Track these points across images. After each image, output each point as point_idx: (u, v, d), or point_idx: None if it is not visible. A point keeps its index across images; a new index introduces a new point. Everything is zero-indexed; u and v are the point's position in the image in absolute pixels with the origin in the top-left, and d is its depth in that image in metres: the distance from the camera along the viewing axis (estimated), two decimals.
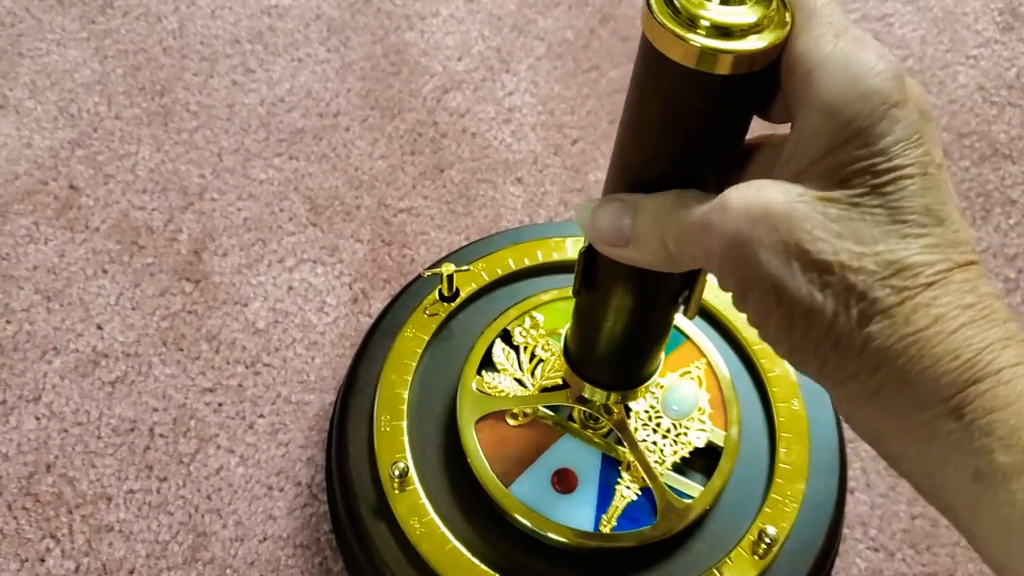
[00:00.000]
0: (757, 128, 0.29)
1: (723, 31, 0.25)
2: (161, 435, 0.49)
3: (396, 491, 0.42)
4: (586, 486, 0.43)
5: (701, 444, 0.44)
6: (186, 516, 0.47)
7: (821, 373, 0.26)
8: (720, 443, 0.44)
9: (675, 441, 0.44)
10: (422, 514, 0.42)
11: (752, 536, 0.42)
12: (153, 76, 0.62)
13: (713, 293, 0.49)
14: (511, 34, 0.67)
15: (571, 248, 0.51)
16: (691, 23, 0.25)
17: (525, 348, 0.47)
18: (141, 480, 0.48)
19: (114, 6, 0.65)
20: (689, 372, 0.46)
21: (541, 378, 0.46)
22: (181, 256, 0.55)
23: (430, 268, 0.49)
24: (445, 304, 0.48)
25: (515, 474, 0.43)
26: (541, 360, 0.46)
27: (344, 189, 0.59)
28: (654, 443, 0.44)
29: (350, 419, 0.45)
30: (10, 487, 0.47)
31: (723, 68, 0.25)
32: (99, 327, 0.52)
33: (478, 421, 0.44)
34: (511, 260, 0.50)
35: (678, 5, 0.25)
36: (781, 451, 0.45)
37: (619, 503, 0.42)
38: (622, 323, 0.36)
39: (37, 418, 0.49)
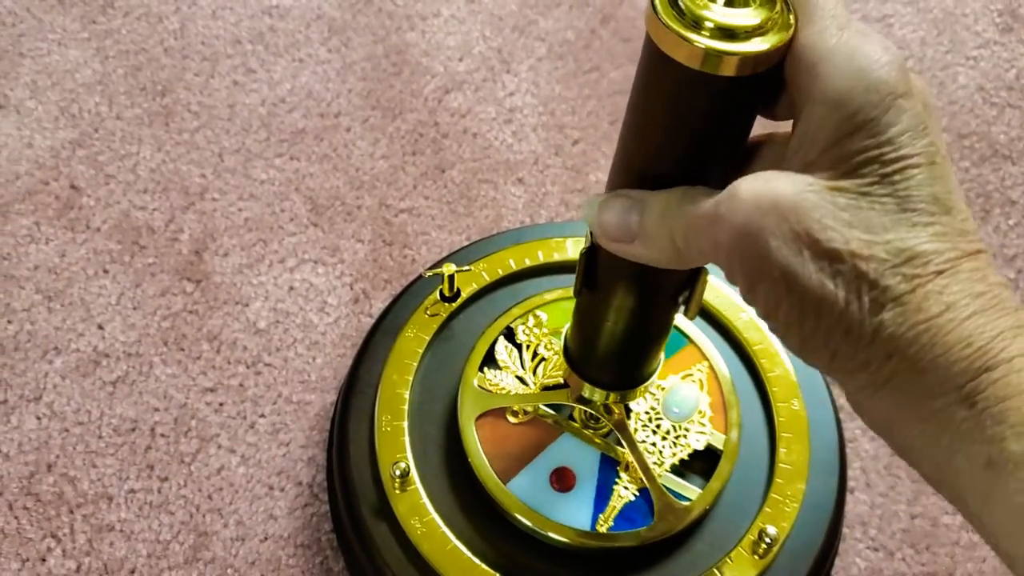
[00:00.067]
0: (758, 127, 0.29)
1: (727, 33, 0.25)
2: (162, 435, 0.49)
3: (397, 491, 0.43)
4: (584, 485, 0.43)
5: (700, 447, 0.44)
6: (187, 516, 0.47)
7: (831, 364, 0.26)
8: (720, 446, 0.44)
9: (674, 443, 0.44)
10: (423, 514, 0.42)
11: (752, 536, 0.42)
12: (154, 76, 0.62)
13: (713, 294, 0.49)
14: (512, 35, 0.67)
15: (572, 248, 0.51)
16: (695, 24, 0.25)
17: (528, 346, 0.47)
18: (142, 480, 0.48)
19: (115, 6, 0.65)
20: (691, 375, 0.46)
21: (543, 377, 0.46)
22: (182, 256, 0.55)
23: (431, 268, 0.49)
24: (446, 304, 0.48)
25: (514, 471, 0.43)
26: (543, 359, 0.46)
27: (345, 189, 0.59)
28: (653, 444, 0.44)
29: (351, 419, 0.46)
30: (11, 487, 0.47)
31: (728, 70, 0.25)
32: (100, 327, 0.52)
33: (478, 418, 0.44)
34: (512, 260, 0.50)
35: (682, 6, 0.25)
36: (781, 451, 0.45)
37: (617, 503, 0.42)
38: (623, 323, 0.36)
39: (38, 418, 0.49)
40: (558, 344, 0.47)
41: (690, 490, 0.43)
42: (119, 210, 0.57)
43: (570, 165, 0.61)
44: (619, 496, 0.43)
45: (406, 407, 0.45)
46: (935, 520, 0.49)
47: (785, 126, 0.29)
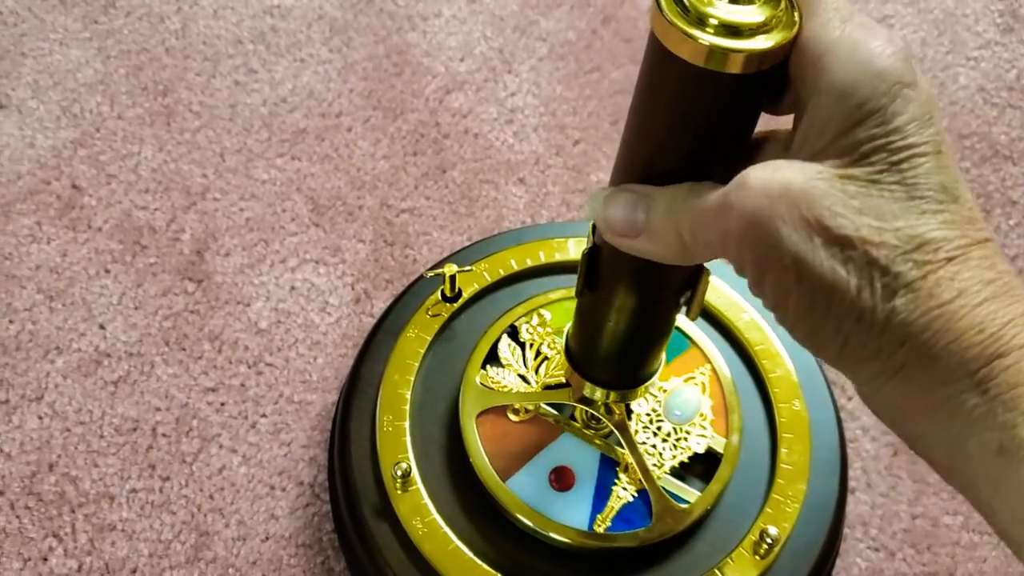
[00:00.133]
0: (759, 123, 0.29)
1: (732, 30, 0.25)
2: (163, 435, 0.49)
3: (398, 491, 0.43)
4: (583, 485, 0.43)
5: (701, 450, 0.44)
6: (188, 515, 0.47)
7: (841, 353, 0.26)
8: (720, 450, 0.44)
9: (675, 445, 0.44)
10: (424, 514, 0.42)
11: (753, 536, 0.42)
12: (156, 76, 0.62)
13: (715, 294, 0.49)
14: (513, 35, 0.67)
15: (573, 249, 0.51)
16: (700, 22, 0.25)
17: (531, 345, 0.47)
18: (144, 479, 0.48)
19: (117, 6, 0.65)
20: (693, 378, 0.46)
21: (545, 376, 0.46)
22: (183, 256, 0.55)
23: (432, 269, 0.49)
24: (447, 304, 0.49)
25: (513, 469, 0.43)
26: (546, 358, 0.46)
27: (346, 189, 0.59)
28: (653, 446, 0.44)
29: (353, 419, 0.46)
30: (13, 486, 0.47)
31: (733, 67, 0.25)
32: (102, 327, 0.52)
33: (479, 415, 0.44)
34: (513, 261, 0.50)
35: (687, 3, 0.25)
36: (782, 451, 0.45)
37: (615, 504, 0.42)
38: (624, 324, 0.36)
39: (40, 417, 0.49)
40: (561, 343, 0.47)
41: (689, 493, 0.43)
42: (121, 210, 0.57)
43: (571, 165, 0.61)
44: (618, 497, 0.43)
45: (407, 407, 0.45)
46: (936, 520, 0.49)
47: (786, 123, 0.29)
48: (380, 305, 0.54)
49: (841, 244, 0.24)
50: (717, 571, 0.42)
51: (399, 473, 0.42)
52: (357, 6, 0.67)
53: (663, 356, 0.39)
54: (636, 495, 0.43)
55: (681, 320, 0.47)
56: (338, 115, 0.62)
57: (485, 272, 0.50)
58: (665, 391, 0.45)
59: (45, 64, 0.62)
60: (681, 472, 0.44)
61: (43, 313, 0.53)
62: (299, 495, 0.48)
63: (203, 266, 0.55)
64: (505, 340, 0.47)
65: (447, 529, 0.42)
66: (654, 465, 0.43)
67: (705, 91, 0.26)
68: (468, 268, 0.49)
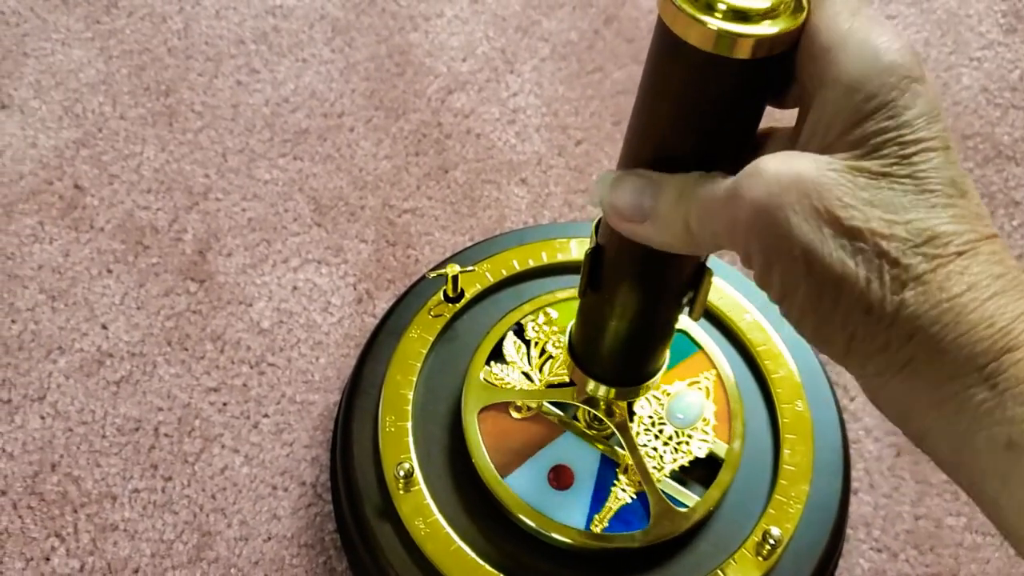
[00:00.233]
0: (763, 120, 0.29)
1: (740, 15, 0.25)
2: (166, 434, 0.49)
3: (401, 491, 0.43)
4: (582, 484, 0.43)
5: (702, 454, 0.44)
6: (191, 515, 0.47)
7: (848, 348, 0.26)
8: (722, 455, 0.44)
9: (676, 449, 0.44)
10: (427, 514, 0.42)
11: (756, 537, 0.42)
12: (158, 76, 0.62)
13: (717, 295, 0.49)
14: (515, 35, 0.67)
15: (575, 249, 0.51)
16: (708, 7, 0.25)
17: (536, 343, 0.47)
18: (146, 479, 0.48)
19: (119, 6, 0.65)
20: (698, 382, 0.46)
21: (549, 374, 0.46)
22: (186, 256, 0.55)
23: (434, 269, 0.49)
24: (450, 305, 0.49)
25: (513, 466, 0.43)
26: (551, 356, 0.46)
27: (348, 189, 0.59)
28: (654, 449, 0.44)
29: (355, 419, 0.46)
30: (15, 486, 0.47)
31: (742, 52, 0.25)
32: (104, 327, 0.52)
33: (482, 411, 0.44)
34: (515, 261, 0.50)
35: None
36: (785, 452, 0.45)
37: (613, 504, 0.42)
38: (627, 323, 0.36)
39: (42, 417, 0.49)
40: (565, 342, 0.47)
41: (688, 497, 0.43)
42: (123, 210, 0.57)
43: (573, 166, 0.61)
44: (616, 498, 0.43)
45: (410, 408, 0.45)
46: (939, 521, 0.49)
47: (787, 120, 0.29)
48: (382, 305, 0.54)
49: (851, 235, 0.24)
50: (720, 572, 0.41)
51: (401, 473, 0.42)
52: (359, 6, 0.67)
53: (667, 355, 0.39)
54: (635, 497, 0.43)
55: (688, 324, 0.47)
56: (340, 115, 0.62)
57: (487, 272, 0.50)
58: (669, 394, 0.45)
59: (47, 64, 0.62)
60: (681, 476, 0.44)
61: (45, 313, 0.53)
62: (301, 495, 0.48)
63: (205, 266, 0.55)
64: (511, 337, 0.47)
65: (449, 529, 0.42)
66: (654, 468, 0.43)
67: (712, 77, 0.26)
68: (470, 268, 0.49)
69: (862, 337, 0.25)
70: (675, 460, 0.44)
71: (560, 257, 0.51)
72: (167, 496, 0.48)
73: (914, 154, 0.24)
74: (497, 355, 0.46)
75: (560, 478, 0.43)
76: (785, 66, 0.26)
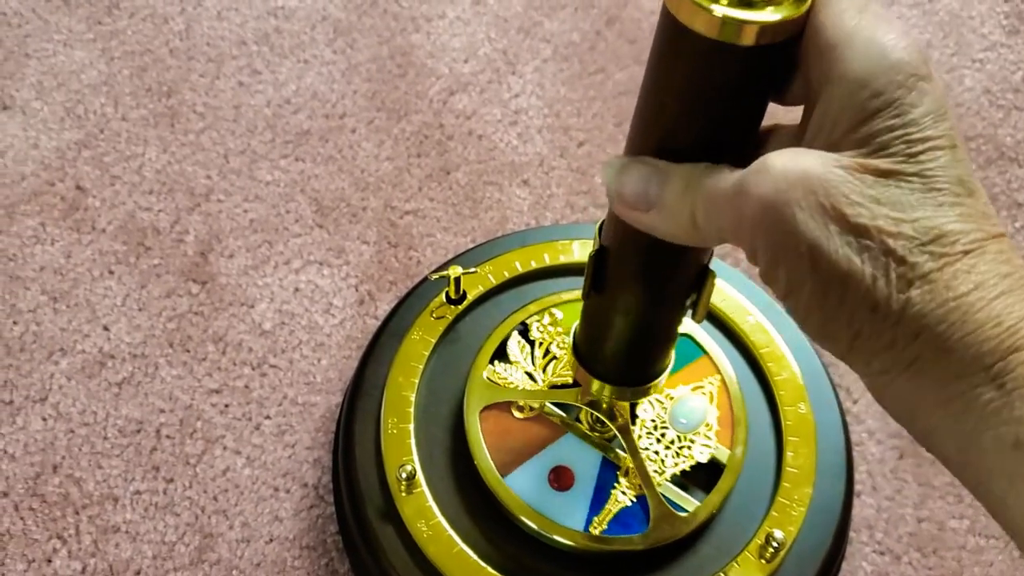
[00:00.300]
0: (766, 116, 0.29)
1: (744, 2, 0.24)
2: (167, 436, 0.49)
3: (403, 493, 0.42)
4: (582, 486, 0.43)
5: (704, 459, 0.44)
6: (192, 517, 0.47)
7: (853, 345, 0.25)
8: (723, 460, 0.44)
9: (677, 453, 0.44)
10: (429, 517, 0.42)
11: (759, 540, 0.42)
12: (160, 77, 0.62)
13: (720, 296, 0.49)
14: (517, 36, 0.67)
15: (578, 251, 0.51)
16: None
17: (540, 344, 0.47)
18: (148, 481, 0.48)
19: (120, 7, 0.65)
20: (702, 387, 0.46)
21: (552, 375, 0.46)
22: (187, 257, 0.55)
23: (436, 271, 0.49)
24: (452, 307, 0.48)
25: (513, 465, 0.43)
26: (555, 357, 0.46)
27: (350, 191, 0.59)
28: (656, 452, 0.44)
29: (357, 421, 0.46)
30: (17, 487, 0.47)
31: (747, 39, 0.25)
32: (106, 328, 0.52)
33: (484, 409, 0.44)
34: (518, 263, 0.50)
35: None
36: (788, 455, 0.45)
37: (613, 507, 0.42)
38: (630, 325, 0.36)
39: (44, 419, 0.49)
40: (570, 342, 0.47)
41: (689, 501, 0.42)
42: (125, 211, 0.57)
43: (575, 167, 0.61)
44: (616, 500, 0.42)
45: (412, 409, 0.45)
46: (942, 524, 0.49)
47: (789, 117, 0.29)
48: (384, 307, 0.54)
49: (858, 233, 0.24)
50: (722, 575, 0.41)
51: (404, 475, 0.42)
52: (361, 7, 0.67)
53: (672, 355, 0.39)
54: (635, 500, 0.42)
55: (693, 329, 0.47)
56: (342, 116, 0.62)
57: (489, 274, 0.50)
58: (672, 398, 0.45)
59: (49, 65, 0.62)
60: (683, 480, 0.43)
61: (47, 314, 0.53)
62: (303, 497, 0.48)
63: (207, 267, 0.55)
64: (515, 337, 0.47)
65: (451, 531, 0.42)
66: (655, 471, 0.43)
67: (718, 65, 0.26)
68: (472, 270, 0.49)
69: (867, 335, 0.25)
70: (676, 464, 0.43)
71: (562, 259, 0.50)
72: (169, 498, 0.48)
73: (921, 152, 0.24)
74: (501, 354, 0.46)
75: (560, 479, 0.43)
76: (788, 56, 0.26)
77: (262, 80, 0.63)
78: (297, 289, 0.55)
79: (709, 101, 0.27)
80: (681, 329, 0.46)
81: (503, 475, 0.42)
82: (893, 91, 0.24)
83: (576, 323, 0.40)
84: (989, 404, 0.23)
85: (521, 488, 0.42)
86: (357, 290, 0.55)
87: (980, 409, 0.24)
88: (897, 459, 0.51)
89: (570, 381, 0.45)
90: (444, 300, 0.49)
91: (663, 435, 0.44)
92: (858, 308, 0.25)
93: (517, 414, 0.45)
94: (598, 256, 0.34)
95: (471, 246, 0.55)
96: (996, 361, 0.23)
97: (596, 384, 0.39)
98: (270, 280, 0.55)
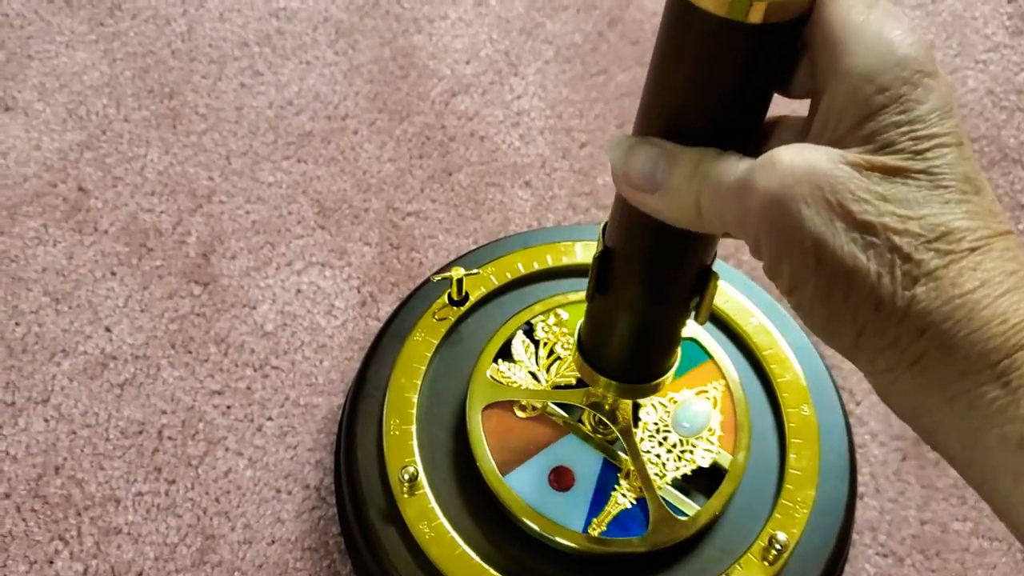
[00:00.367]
0: (772, 109, 0.29)
1: None
2: (169, 437, 0.49)
3: (405, 495, 0.42)
4: (582, 487, 0.43)
5: (706, 464, 0.43)
6: (194, 519, 0.47)
7: (858, 342, 0.25)
8: (725, 466, 0.43)
9: (679, 457, 0.44)
10: (431, 518, 0.42)
11: (762, 542, 0.42)
12: (162, 79, 0.62)
13: (723, 298, 0.49)
14: (519, 37, 0.67)
15: (580, 252, 0.51)
16: None
17: (545, 344, 0.47)
18: (149, 482, 0.48)
19: (122, 9, 0.65)
20: (706, 391, 0.46)
21: (556, 375, 0.46)
22: (190, 259, 0.55)
23: (439, 272, 0.49)
24: (454, 308, 0.48)
25: (514, 464, 0.43)
26: (559, 358, 0.46)
27: (352, 192, 0.59)
28: (657, 456, 0.44)
29: (359, 423, 0.45)
30: (19, 489, 0.47)
31: (755, 16, 0.24)
32: (108, 329, 0.52)
33: (486, 407, 0.44)
34: (520, 264, 0.50)
35: None
36: (791, 457, 0.45)
37: (612, 509, 0.42)
38: (634, 327, 0.36)
39: (46, 420, 0.49)
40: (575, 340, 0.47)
41: (689, 506, 0.42)
42: (127, 212, 0.57)
43: (577, 168, 0.61)
44: (616, 502, 0.42)
45: (414, 411, 0.45)
46: (945, 526, 0.49)
47: (793, 109, 0.29)
48: (386, 308, 0.54)
49: (863, 230, 0.24)
50: None
51: (406, 477, 0.42)
52: (363, 9, 0.67)
53: (677, 355, 0.39)
54: (634, 503, 0.42)
55: (699, 333, 0.47)
56: (344, 118, 0.62)
57: (492, 276, 0.50)
58: (676, 402, 0.45)
59: (51, 67, 0.62)
60: (684, 485, 0.43)
61: (49, 315, 0.53)
62: (305, 498, 0.48)
63: (209, 269, 0.55)
64: (520, 337, 0.47)
65: (454, 533, 0.42)
66: (656, 475, 0.43)
67: (727, 43, 0.25)
68: (475, 271, 0.49)
69: (872, 332, 0.25)
70: (678, 468, 0.43)
71: (565, 260, 0.50)
72: (171, 499, 0.48)
73: (928, 149, 0.24)
74: (505, 354, 0.46)
75: (560, 479, 0.43)
76: (795, 38, 0.26)
77: (264, 81, 0.63)
78: (299, 290, 0.55)
79: (717, 81, 0.27)
80: (687, 333, 0.46)
81: (503, 473, 0.42)
82: (899, 87, 0.24)
83: (581, 321, 0.40)
84: (994, 402, 0.23)
85: (521, 487, 0.42)
86: (359, 291, 0.55)
87: (985, 407, 0.24)
88: (900, 461, 0.51)
89: (573, 382, 0.45)
90: (446, 302, 0.49)
91: (665, 438, 0.44)
92: (863, 304, 0.25)
93: (519, 413, 0.45)
94: (602, 258, 0.34)
95: (473, 247, 0.55)
96: (1002, 359, 0.23)
97: (602, 382, 0.39)
98: (272, 281, 0.55)
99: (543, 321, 0.47)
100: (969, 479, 0.25)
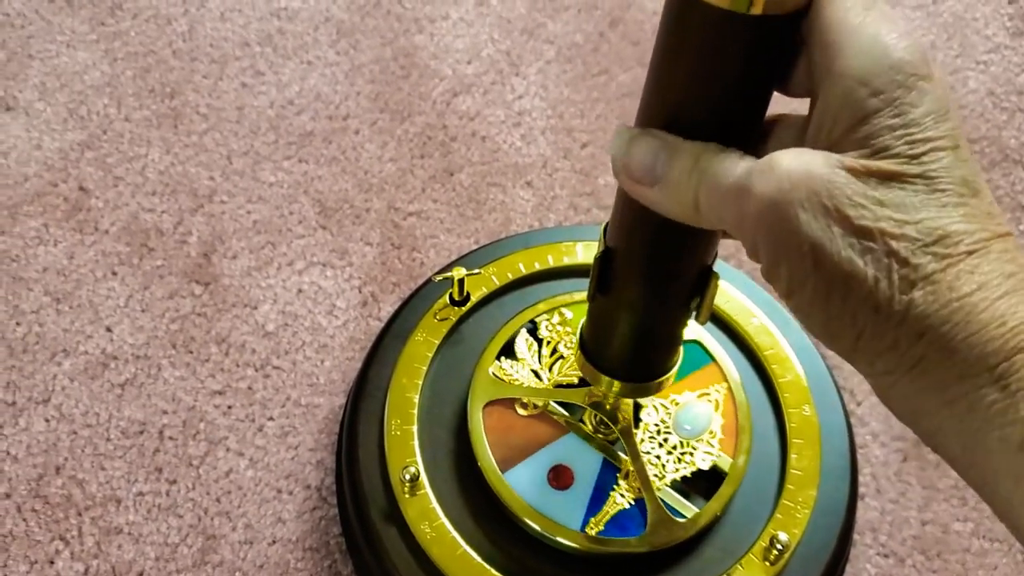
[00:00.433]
0: (773, 107, 0.29)
1: None
2: (170, 437, 0.49)
3: (407, 495, 0.42)
4: (581, 486, 0.43)
5: (706, 467, 0.43)
6: (195, 519, 0.47)
7: (856, 345, 0.25)
8: (725, 469, 0.43)
9: (679, 459, 0.44)
10: (432, 518, 0.42)
11: (764, 542, 0.42)
12: (163, 78, 0.62)
13: (724, 298, 0.49)
14: (521, 37, 0.67)
15: (582, 253, 0.51)
16: None
17: (548, 343, 0.47)
18: (150, 482, 0.48)
19: (123, 8, 0.65)
20: (708, 394, 0.46)
21: (558, 374, 0.46)
22: (191, 259, 0.55)
23: (440, 272, 0.49)
24: (455, 308, 0.48)
25: (513, 461, 0.43)
26: (562, 357, 0.46)
27: (353, 192, 0.59)
28: (657, 457, 0.44)
29: (360, 423, 0.45)
30: (19, 489, 0.47)
31: (756, 7, 0.24)
32: (108, 329, 0.52)
33: (488, 404, 0.44)
34: (522, 264, 0.50)
35: None
36: (792, 457, 0.45)
37: (610, 509, 0.42)
38: (635, 327, 0.36)
39: (46, 420, 0.49)
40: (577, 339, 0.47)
41: (687, 507, 0.42)
42: (128, 212, 0.57)
43: (579, 168, 0.61)
44: (614, 502, 0.42)
45: (415, 411, 0.45)
46: (946, 527, 0.49)
47: (793, 107, 0.28)
48: (387, 308, 0.54)
49: (861, 235, 0.24)
50: None
51: (407, 477, 0.42)
52: (364, 8, 0.67)
53: (680, 354, 0.39)
54: (633, 503, 0.42)
55: (704, 335, 0.47)
56: (345, 118, 0.62)
57: (493, 276, 0.50)
58: (678, 404, 0.45)
59: (52, 66, 0.62)
60: (683, 487, 0.43)
61: (50, 315, 0.53)
62: (306, 499, 0.48)
63: (210, 269, 0.55)
64: (523, 335, 0.47)
65: (455, 533, 0.42)
66: (655, 476, 0.43)
67: (729, 34, 0.25)
68: (476, 272, 0.49)
69: (871, 335, 0.25)
70: (677, 470, 0.43)
71: (566, 260, 0.50)
72: (172, 499, 0.48)
73: (924, 153, 0.24)
74: (508, 351, 0.46)
75: (560, 478, 0.43)
76: (795, 32, 0.26)
77: (265, 81, 0.63)
78: (300, 290, 0.55)
79: (718, 74, 0.27)
80: (691, 335, 0.46)
81: (503, 470, 0.42)
82: (893, 90, 0.24)
83: (583, 320, 0.40)
84: (993, 405, 0.23)
85: (520, 484, 0.42)
86: (360, 291, 0.55)
87: (984, 410, 0.24)
88: (901, 462, 0.51)
89: (576, 381, 0.45)
90: (448, 302, 0.48)
91: (666, 440, 0.44)
92: (860, 308, 0.25)
93: (521, 411, 0.45)
94: (603, 258, 0.34)
95: (474, 248, 0.55)
96: (1000, 362, 0.23)
97: (604, 380, 0.39)
98: (273, 281, 0.55)
99: (547, 320, 0.47)
100: (970, 481, 0.25)
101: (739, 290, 0.50)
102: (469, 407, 0.44)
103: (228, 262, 0.55)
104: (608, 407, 0.44)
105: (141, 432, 0.49)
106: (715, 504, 0.42)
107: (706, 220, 0.27)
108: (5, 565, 0.45)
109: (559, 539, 0.41)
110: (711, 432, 0.44)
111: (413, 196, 0.59)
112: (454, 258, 0.54)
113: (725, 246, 0.56)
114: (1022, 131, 0.65)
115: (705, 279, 0.34)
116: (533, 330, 0.47)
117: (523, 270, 0.50)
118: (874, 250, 0.24)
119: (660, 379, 0.39)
